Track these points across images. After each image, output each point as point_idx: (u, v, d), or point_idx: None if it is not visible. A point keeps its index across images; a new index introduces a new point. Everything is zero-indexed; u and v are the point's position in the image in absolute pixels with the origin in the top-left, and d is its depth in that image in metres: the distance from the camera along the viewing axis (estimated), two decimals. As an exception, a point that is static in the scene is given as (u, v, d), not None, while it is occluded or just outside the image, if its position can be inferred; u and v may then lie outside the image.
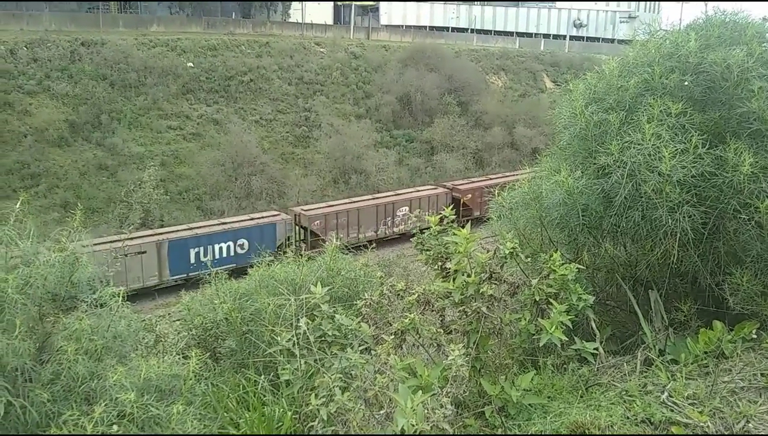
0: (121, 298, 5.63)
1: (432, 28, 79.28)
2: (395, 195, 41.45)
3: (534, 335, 5.84)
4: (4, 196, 33.79)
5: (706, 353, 6.03)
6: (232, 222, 33.99)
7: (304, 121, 50.81)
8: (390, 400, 4.59)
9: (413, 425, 3.99)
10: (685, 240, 6.11)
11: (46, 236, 5.88)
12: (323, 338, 5.49)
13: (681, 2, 69.85)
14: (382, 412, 4.61)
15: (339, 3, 74.77)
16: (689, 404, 5.13)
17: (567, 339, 5.65)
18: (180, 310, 8.47)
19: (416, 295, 6.07)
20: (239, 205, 40.50)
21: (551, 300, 5.85)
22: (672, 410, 5.07)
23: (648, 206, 6.15)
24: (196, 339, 7.61)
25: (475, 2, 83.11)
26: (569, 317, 5.64)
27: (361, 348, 5.29)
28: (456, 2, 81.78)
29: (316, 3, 69.64)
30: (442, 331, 5.88)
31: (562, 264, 6.01)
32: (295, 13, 71.54)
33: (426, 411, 4.26)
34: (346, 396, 4.60)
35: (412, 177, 49.66)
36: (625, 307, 7.45)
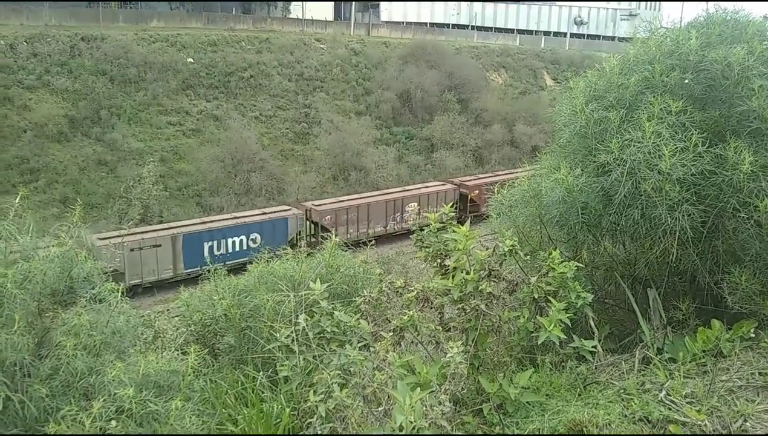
0: (120, 293, 5.62)
1: (432, 24, 79.24)
2: (404, 191, 41.84)
3: (532, 332, 5.85)
4: (3, 191, 33.78)
5: (704, 351, 6.03)
6: (245, 216, 34.30)
7: (304, 118, 50.77)
8: (388, 397, 4.59)
9: (411, 422, 4.00)
10: (684, 239, 6.11)
11: (45, 231, 5.88)
12: (322, 335, 5.49)
13: (682, 0, 69.77)
14: (380, 409, 4.61)
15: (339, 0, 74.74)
16: (687, 403, 5.13)
17: (565, 337, 5.66)
18: (179, 306, 8.48)
19: (415, 292, 6.07)
20: (238, 201, 40.48)
21: (550, 298, 5.86)
22: (670, 409, 5.08)
23: (647, 205, 6.15)
24: (194, 335, 7.61)
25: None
26: (568, 315, 5.65)
27: (359, 345, 5.30)
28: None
29: (316, 0, 69.53)
30: (441, 328, 5.88)
31: (561, 262, 6.02)
32: (296, 9, 71.44)
33: (424, 408, 4.26)
34: (344, 393, 4.61)
35: (412, 174, 49.65)
36: (623, 305, 7.46)
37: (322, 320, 5.53)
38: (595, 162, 6.67)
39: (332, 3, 74.57)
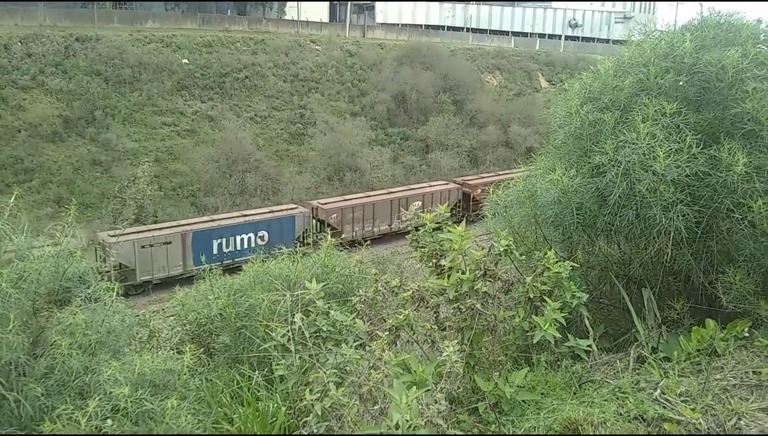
0: (114, 293, 5.62)
1: (427, 26, 79.22)
2: (408, 190, 42.33)
3: (528, 332, 5.86)
4: (-3, 191, 33.67)
5: (698, 350, 6.06)
6: (253, 214, 34.62)
7: (299, 119, 50.73)
8: (384, 395, 4.60)
9: (407, 421, 4.00)
10: (678, 239, 6.15)
11: (39, 230, 5.87)
12: (318, 334, 5.49)
13: (676, 3, 70.06)
14: (376, 407, 4.62)
15: (335, 1, 74.66)
16: (681, 401, 5.16)
17: (560, 336, 5.68)
18: (174, 305, 8.48)
19: (411, 291, 6.08)
20: (233, 201, 40.41)
21: (545, 297, 5.88)
22: (664, 407, 5.10)
23: (642, 205, 6.18)
24: (190, 334, 7.61)
25: (471, 1, 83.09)
26: (563, 315, 5.67)
27: (355, 344, 5.30)
28: (452, 1, 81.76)
29: (311, 1, 69.45)
30: (437, 327, 5.90)
31: (557, 262, 6.04)
32: (291, 10, 71.34)
33: (420, 407, 4.27)
34: (340, 391, 4.61)
35: (407, 175, 49.66)
36: (618, 305, 7.49)
37: (318, 319, 5.53)
38: (590, 163, 6.70)
39: (327, 4, 74.51)
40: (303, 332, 5.41)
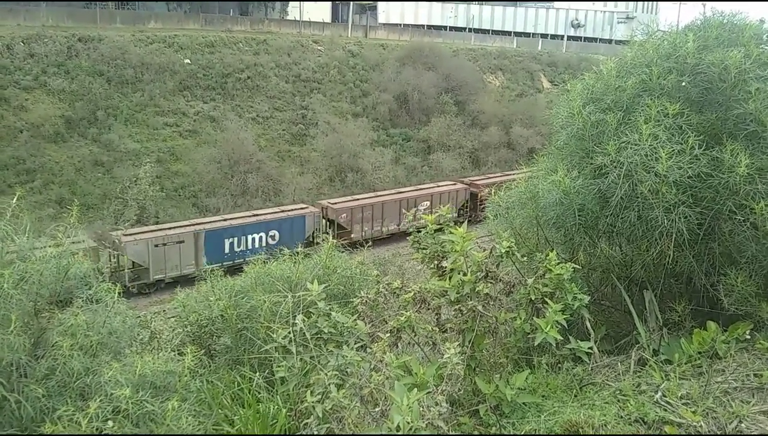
0: (116, 294, 5.62)
1: (430, 27, 79.27)
2: (417, 190, 42.68)
3: (529, 334, 5.85)
4: (-1, 191, 33.73)
5: (699, 353, 6.05)
6: (264, 214, 34.94)
7: (301, 119, 50.74)
8: (385, 397, 4.59)
9: (409, 423, 4.00)
10: (680, 241, 6.13)
11: (41, 231, 5.87)
12: (319, 336, 5.49)
13: (679, 3, 70.00)
14: (377, 409, 4.61)
15: (337, 1, 74.67)
16: (683, 404, 5.15)
17: (562, 338, 5.67)
18: (175, 307, 8.47)
19: (412, 293, 6.08)
20: (235, 202, 40.43)
21: (547, 299, 5.87)
22: (665, 410, 5.10)
23: (644, 207, 6.17)
24: (191, 336, 7.61)
25: (473, 1, 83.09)
26: (564, 317, 5.65)
27: (357, 346, 5.30)
28: (454, 1, 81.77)
29: (314, 2, 69.46)
30: (438, 329, 5.89)
31: (558, 264, 6.03)
32: (293, 10, 71.37)
33: (421, 409, 4.27)
34: (341, 393, 4.61)
35: (409, 176, 49.66)
36: (619, 307, 7.47)
37: (320, 321, 5.53)
38: (592, 164, 6.69)
39: (330, 5, 74.53)
40: (304, 333, 5.41)
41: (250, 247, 32.11)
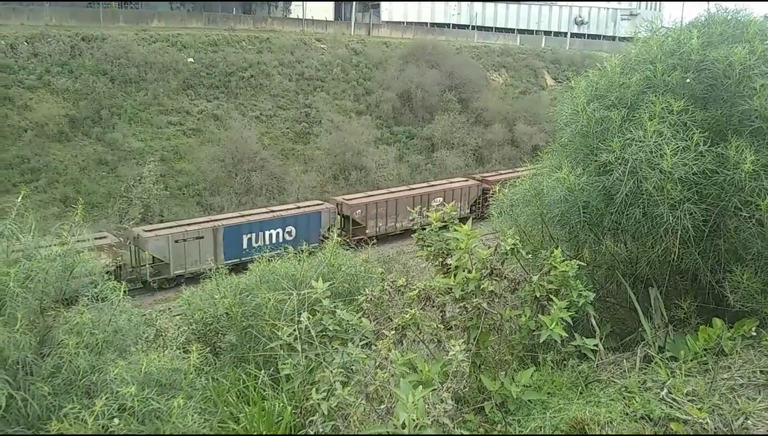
0: (121, 292, 5.63)
1: (433, 24, 79.19)
2: (430, 186, 43.20)
3: (534, 331, 5.85)
4: (4, 190, 33.81)
5: (705, 350, 6.03)
6: (281, 210, 35.47)
7: (305, 118, 50.77)
8: (391, 395, 4.60)
9: (414, 420, 4.00)
10: (685, 237, 6.12)
11: (46, 230, 5.88)
12: (324, 333, 5.49)
13: (682, 2, 69.76)
14: (382, 407, 4.62)
15: (340, 0, 74.64)
16: (688, 401, 5.14)
17: (567, 335, 5.66)
18: (180, 305, 8.49)
19: (417, 291, 6.08)
20: (239, 201, 40.49)
21: (552, 296, 5.86)
22: (671, 407, 5.08)
23: (649, 203, 6.15)
24: (196, 334, 7.63)
25: (476, 0, 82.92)
26: (569, 314, 5.65)
27: (362, 343, 5.30)
28: (457, 0, 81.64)
29: (316, 1, 69.47)
30: (443, 327, 5.89)
31: (563, 261, 6.02)
32: (296, 9, 71.40)
33: (426, 406, 4.27)
34: (346, 391, 4.61)
35: (412, 174, 49.67)
36: (625, 304, 7.46)
37: (325, 319, 5.54)
38: (596, 161, 6.67)
39: (332, 3, 74.51)
40: (309, 331, 5.42)
41: (267, 242, 32.50)
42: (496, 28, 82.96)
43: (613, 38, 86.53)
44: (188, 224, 32.17)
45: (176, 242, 30.25)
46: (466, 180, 44.90)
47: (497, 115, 56.66)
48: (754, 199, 5.89)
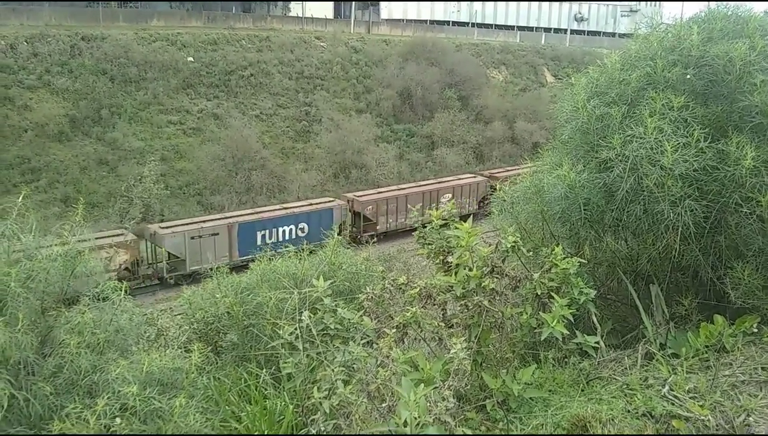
0: (123, 292, 5.63)
1: (432, 22, 79.08)
2: (439, 183, 43.37)
3: (535, 328, 5.85)
4: (4, 190, 33.82)
5: (707, 347, 6.03)
6: (294, 207, 35.87)
7: (305, 116, 50.74)
8: (392, 393, 4.59)
9: (416, 418, 4.00)
10: (686, 234, 6.11)
11: (47, 230, 5.88)
12: (325, 332, 5.49)
13: (682, 2, 69.56)
14: (384, 405, 4.62)
15: (339, 0, 74.58)
16: (690, 398, 5.13)
17: (568, 333, 5.67)
18: (181, 304, 8.49)
19: (418, 289, 6.08)
20: (239, 200, 40.49)
21: (553, 294, 5.86)
22: (673, 404, 5.08)
23: (650, 200, 6.14)
24: (197, 333, 7.62)
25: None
26: (570, 311, 5.65)
27: (363, 342, 5.30)
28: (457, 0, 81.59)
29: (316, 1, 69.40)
30: (444, 325, 5.89)
31: (564, 258, 6.02)
32: (295, 7, 71.32)
33: (428, 404, 4.27)
34: (348, 389, 4.61)
35: (413, 172, 49.65)
36: (626, 301, 7.46)
37: (326, 317, 5.53)
38: (597, 158, 6.67)
39: (332, 1, 74.45)
40: (310, 329, 5.42)
41: (280, 239, 32.79)
42: (495, 25, 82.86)
43: (613, 35, 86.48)
44: (203, 221, 32.58)
45: (192, 238, 30.63)
46: (474, 177, 45.21)
47: (497, 113, 56.61)
48: (754, 196, 5.88)
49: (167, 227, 31.03)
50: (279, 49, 54.58)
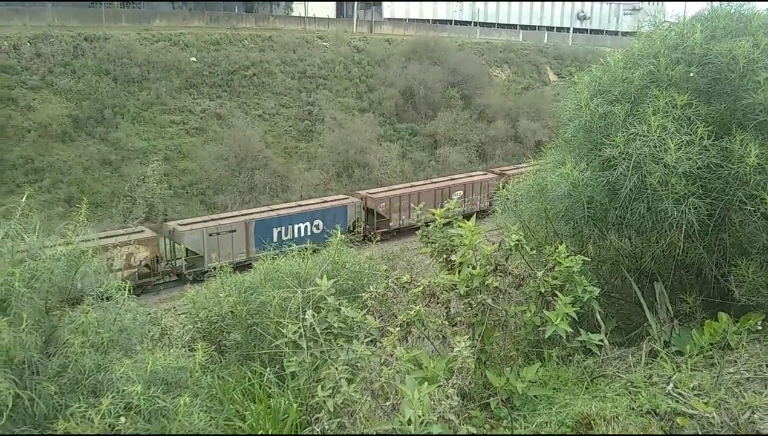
0: (126, 291, 5.63)
1: (435, 21, 78.95)
2: (450, 180, 43.99)
3: (539, 326, 5.84)
4: (8, 190, 33.88)
5: (711, 344, 6.03)
6: (308, 204, 36.50)
7: (308, 115, 50.75)
8: (396, 391, 4.59)
9: (420, 416, 4.00)
10: (690, 232, 6.11)
11: (50, 230, 5.88)
12: (329, 330, 5.49)
13: (684, 3, 69.42)
14: (388, 403, 4.62)
15: (341, 0, 74.55)
16: (694, 395, 5.13)
17: (572, 331, 5.66)
18: (185, 303, 8.50)
19: (421, 287, 6.07)
20: (242, 199, 40.55)
21: (556, 292, 5.85)
22: (677, 401, 5.08)
23: (653, 198, 6.14)
24: (201, 332, 7.63)
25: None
26: (574, 309, 5.64)
27: (366, 340, 5.30)
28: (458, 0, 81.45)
29: (319, 1, 69.37)
30: (448, 323, 5.88)
31: (568, 256, 6.01)
32: (298, 7, 71.30)
33: (432, 402, 4.27)
34: (352, 388, 4.61)
35: (416, 171, 49.65)
36: (630, 299, 7.45)
37: (329, 316, 5.53)
38: (600, 156, 6.66)
39: (334, 1, 74.42)
40: (314, 328, 5.42)
41: (296, 236, 33.35)
42: (498, 24, 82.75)
43: (616, 33, 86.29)
44: (221, 218, 33.16)
45: (210, 235, 31.16)
46: (485, 174, 45.48)
47: (500, 112, 56.58)
48: (758, 193, 5.88)
49: (186, 224, 31.60)
50: (281, 48, 54.60)
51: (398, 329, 5.51)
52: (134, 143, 41.25)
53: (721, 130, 6.25)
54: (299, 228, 34.21)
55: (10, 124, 37.98)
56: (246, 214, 34.01)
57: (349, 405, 4.58)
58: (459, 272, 6.03)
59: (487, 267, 5.96)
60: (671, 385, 5.30)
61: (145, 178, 36.31)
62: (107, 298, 5.49)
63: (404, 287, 6.22)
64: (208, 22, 56.51)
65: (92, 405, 4.34)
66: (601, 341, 5.95)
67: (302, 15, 65.20)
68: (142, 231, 30.09)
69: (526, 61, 71.17)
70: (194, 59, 49.08)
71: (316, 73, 54.56)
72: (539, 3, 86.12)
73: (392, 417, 4.46)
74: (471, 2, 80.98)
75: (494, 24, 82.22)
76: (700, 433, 4.75)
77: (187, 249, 31.43)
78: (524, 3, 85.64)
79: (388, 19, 77.03)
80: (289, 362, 5.37)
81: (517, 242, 6.10)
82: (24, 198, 5.60)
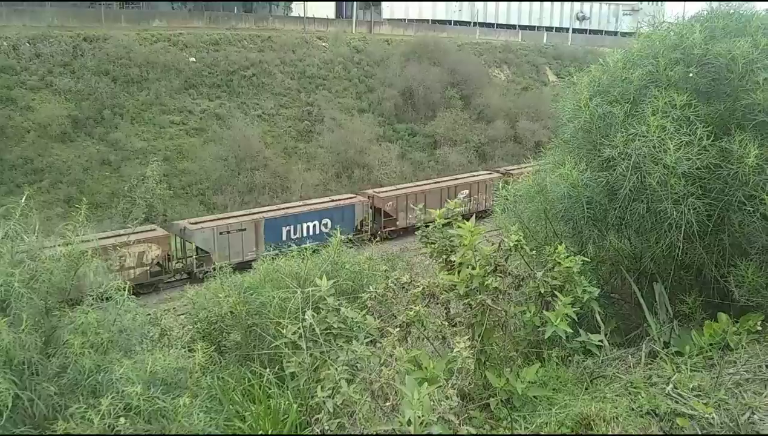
0: (126, 291, 5.63)
1: (434, 21, 78.93)
2: (456, 179, 44.27)
3: (539, 327, 5.85)
4: (8, 191, 33.84)
5: (711, 345, 6.02)
6: (316, 203, 36.93)
7: (307, 116, 50.74)
8: (396, 392, 4.59)
9: (420, 417, 4.00)
10: (690, 232, 6.10)
11: (50, 230, 5.88)
12: (329, 331, 5.49)
13: (683, 3, 69.42)
14: (388, 404, 4.61)
15: (341, 0, 74.53)
16: (694, 396, 5.12)
17: (572, 331, 5.66)
18: (185, 304, 8.50)
19: (421, 288, 6.07)
20: (242, 199, 40.54)
21: (556, 292, 5.85)
22: (677, 402, 5.07)
23: (653, 199, 6.14)
24: (201, 333, 7.64)
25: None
26: (574, 310, 5.65)
27: (366, 341, 5.30)
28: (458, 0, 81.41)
29: (318, 1, 69.33)
30: (447, 323, 5.88)
31: (567, 257, 6.01)
32: (297, 7, 71.28)
33: (432, 403, 4.27)
34: (352, 388, 4.61)
35: (415, 171, 49.62)
36: (629, 299, 7.45)
37: (329, 316, 5.53)
38: (599, 157, 6.66)
39: (333, 1, 74.41)
40: (314, 329, 5.41)
41: (304, 234, 33.74)
42: (497, 24, 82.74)
43: (615, 34, 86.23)
44: (231, 217, 33.56)
45: (221, 233, 31.50)
46: (490, 173, 45.56)
47: (500, 112, 56.54)
48: (758, 194, 5.88)
49: (197, 223, 31.99)
50: (281, 49, 54.58)
51: (398, 329, 5.50)
52: (134, 144, 41.23)
53: (720, 131, 6.25)
54: (308, 227, 34.55)
55: (10, 125, 37.97)
56: (255, 213, 34.31)
57: (349, 406, 4.58)
58: (458, 272, 6.03)
59: (487, 268, 5.96)
60: (671, 385, 5.30)
61: (144, 179, 36.21)
62: (107, 298, 5.49)
63: (404, 287, 6.22)
64: (207, 23, 56.50)
65: (92, 406, 4.35)
66: (601, 341, 5.96)
67: (301, 15, 65.16)
68: (153, 229, 30.34)
69: (526, 61, 71.16)
70: (193, 59, 49.06)
71: (315, 74, 54.55)
72: (538, 3, 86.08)
73: (392, 418, 4.46)
74: (470, 2, 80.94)
75: (493, 24, 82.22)
76: (699, 433, 4.75)
77: (197, 248, 31.76)
78: (523, 3, 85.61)
79: (388, 19, 77.01)
80: (289, 362, 5.37)
81: (516, 243, 6.11)
82: (23, 198, 5.60)
